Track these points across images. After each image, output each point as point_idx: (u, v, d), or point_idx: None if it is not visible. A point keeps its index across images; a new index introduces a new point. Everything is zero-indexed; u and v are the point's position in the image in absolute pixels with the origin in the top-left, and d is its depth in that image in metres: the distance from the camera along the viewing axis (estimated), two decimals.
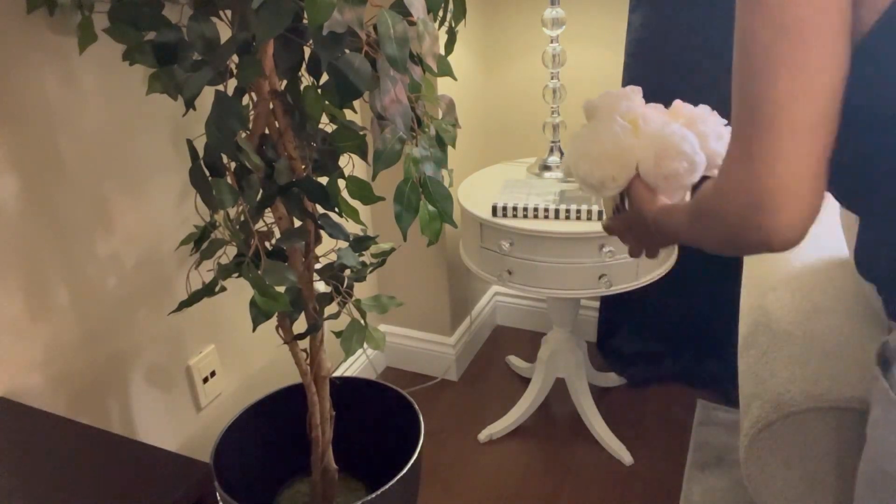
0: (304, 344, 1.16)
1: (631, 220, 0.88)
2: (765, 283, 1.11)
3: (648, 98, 0.89)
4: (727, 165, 0.62)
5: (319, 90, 0.87)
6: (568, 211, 1.47)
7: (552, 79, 1.69)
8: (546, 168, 1.72)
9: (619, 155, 0.87)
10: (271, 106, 0.93)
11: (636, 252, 0.92)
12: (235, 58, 0.87)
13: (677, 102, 0.94)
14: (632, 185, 0.87)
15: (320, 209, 1.02)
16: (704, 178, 0.83)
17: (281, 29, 0.76)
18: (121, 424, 1.24)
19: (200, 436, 1.42)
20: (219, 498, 1.00)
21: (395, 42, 0.79)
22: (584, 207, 1.46)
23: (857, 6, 0.58)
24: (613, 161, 0.88)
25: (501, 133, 2.06)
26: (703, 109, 0.92)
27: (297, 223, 1.05)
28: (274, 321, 1.12)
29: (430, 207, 0.93)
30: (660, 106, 0.93)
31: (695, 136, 0.86)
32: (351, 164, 1.69)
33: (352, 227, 1.75)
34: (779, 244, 0.60)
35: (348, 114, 1.69)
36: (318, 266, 1.11)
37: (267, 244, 1.04)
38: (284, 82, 0.94)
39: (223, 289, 1.07)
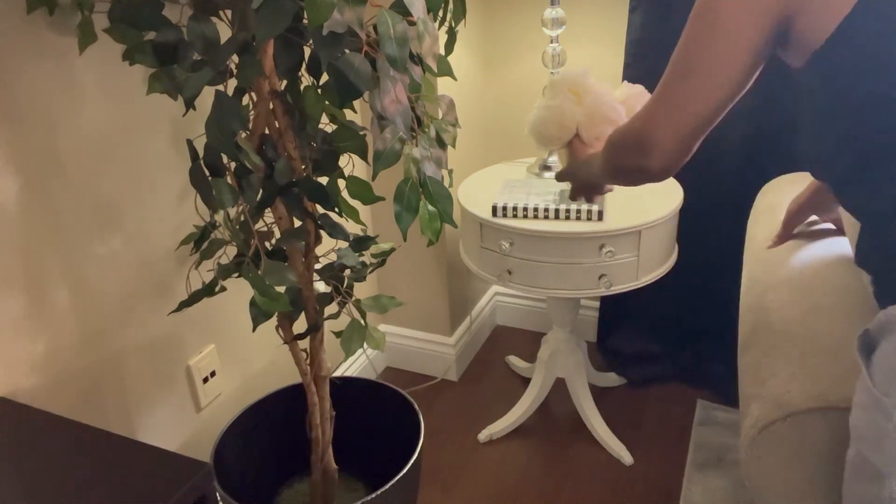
0: (304, 344, 1.16)
1: (571, 168, 1.16)
2: (765, 283, 1.11)
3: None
4: (638, 113, 0.87)
5: (319, 90, 0.87)
6: (568, 211, 1.47)
7: None
8: (546, 168, 1.72)
9: (562, 118, 1.21)
10: (271, 106, 0.93)
11: (574, 194, 1.16)
12: (235, 58, 0.87)
13: (623, 83, 1.25)
14: (571, 141, 1.19)
15: (320, 209, 1.02)
16: None
17: (281, 29, 0.76)
18: (121, 424, 1.24)
19: (200, 436, 1.42)
20: (219, 498, 1.00)
21: (395, 42, 0.79)
22: (584, 207, 1.46)
23: (804, 28, 0.73)
24: (557, 123, 1.21)
25: (501, 133, 2.06)
26: (638, 88, 1.23)
27: (297, 223, 1.05)
28: (274, 321, 1.12)
29: (430, 207, 0.93)
30: (607, 85, 1.24)
31: (624, 108, 1.18)
32: (351, 164, 1.69)
33: (352, 227, 1.75)
34: (650, 175, 0.88)
35: (348, 114, 1.69)
36: (318, 266, 1.11)
37: (267, 244, 1.04)
38: (284, 82, 0.94)
39: (223, 289, 1.07)
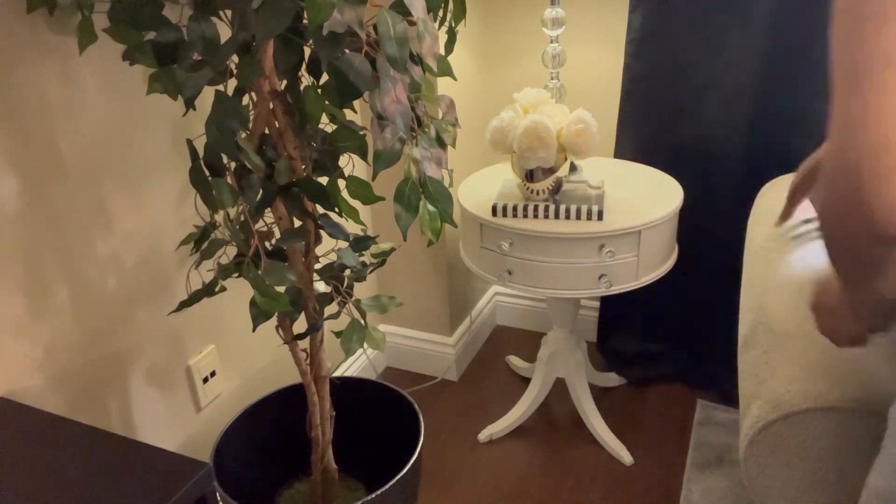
0: (304, 344, 1.16)
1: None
2: (765, 283, 1.11)
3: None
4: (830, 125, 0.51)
5: (319, 90, 0.87)
6: (568, 211, 1.47)
7: (552, 79, 1.69)
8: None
9: (506, 127, 1.43)
10: (271, 106, 0.93)
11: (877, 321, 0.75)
12: (235, 58, 0.87)
13: (579, 108, 1.43)
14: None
15: (320, 209, 1.02)
16: None
17: (281, 29, 0.76)
18: (121, 424, 1.24)
19: (200, 436, 1.42)
20: (219, 498, 1.00)
21: (395, 42, 0.79)
22: (584, 207, 1.46)
23: None
24: (502, 130, 1.44)
25: None
26: (587, 116, 1.40)
27: (297, 223, 1.05)
28: (274, 321, 1.12)
29: (430, 207, 0.93)
30: (564, 108, 1.46)
31: (553, 128, 1.38)
32: (351, 164, 1.69)
33: (352, 227, 1.75)
34: (882, 222, 0.45)
35: (348, 114, 1.69)
36: (318, 266, 1.11)
37: (267, 244, 1.04)
38: (284, 82, 0.94)
39: (223, 289, 1.07)
